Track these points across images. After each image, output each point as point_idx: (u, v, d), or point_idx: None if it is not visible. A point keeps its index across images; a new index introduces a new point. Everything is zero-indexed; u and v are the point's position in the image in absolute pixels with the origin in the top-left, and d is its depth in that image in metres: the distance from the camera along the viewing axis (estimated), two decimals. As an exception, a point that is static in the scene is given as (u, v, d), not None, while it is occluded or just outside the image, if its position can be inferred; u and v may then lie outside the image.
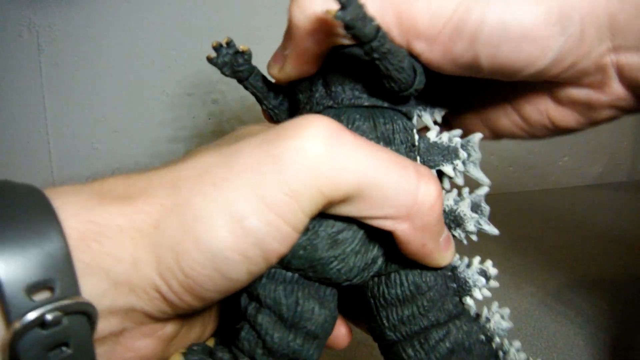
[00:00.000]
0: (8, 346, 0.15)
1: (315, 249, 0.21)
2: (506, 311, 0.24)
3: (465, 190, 0.23)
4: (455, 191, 0.24)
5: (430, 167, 0.24)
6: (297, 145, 0.18)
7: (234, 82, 0.26)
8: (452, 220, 0.24)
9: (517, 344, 0.23)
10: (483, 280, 0.23)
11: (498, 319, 0.23)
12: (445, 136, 0.24)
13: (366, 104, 0.23)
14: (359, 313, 0.26)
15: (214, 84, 0.73)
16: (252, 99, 0.27)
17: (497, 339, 0.23)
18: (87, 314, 0.17)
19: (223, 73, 0.25)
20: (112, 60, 0.69)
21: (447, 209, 0.24)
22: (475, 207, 0.23)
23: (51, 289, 0.16)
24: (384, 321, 0.23)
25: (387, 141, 0.23)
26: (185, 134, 0.73)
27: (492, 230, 0.23)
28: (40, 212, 0.17)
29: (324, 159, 0.18)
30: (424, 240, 0.21)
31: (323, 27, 0.21)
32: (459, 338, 0.23)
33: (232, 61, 0.25)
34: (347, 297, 0.25)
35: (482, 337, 0.24)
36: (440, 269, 0.23)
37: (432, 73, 0.24)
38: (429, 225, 0.21)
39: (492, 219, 0.24)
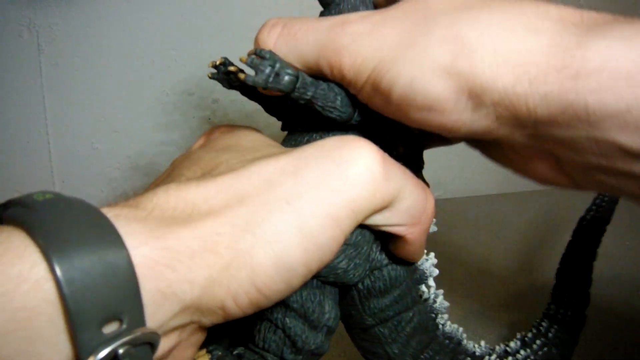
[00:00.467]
0: None
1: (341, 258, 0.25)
2: (440, 291, 0.30)
3: None
4: None
5: None
6: (362, 167, 0.21)
7: (234, 82, 0.27)
8: None
9: (445, 303, 0.29)
10: (436, 270, 0.29)
11: (441, 300, 0.29)
12: None
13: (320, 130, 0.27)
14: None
15: (214, 83, 0.73)
16: (253, 99, 0.28)
17: (440, 315, 0.30)
18: (152, 343, 0.17)
19: (224, 86, 0.28)
20: (112, 60, 0.69)
21: None
22: None
23: (120, 320, 0.16)
24: (366, 309, 0.27)
25: None
26: (186, 134, 0.73)
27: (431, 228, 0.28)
28: (110, 241, 0.16)
29: (380, 180, 0.21)
30: (422, 241, 0.25)
31: None
32: (421, 319, 0.29)
33: (228, 78, 0.27)
34: None
35: (432, 315, 0.30)
36: (409, 264, 0.28)
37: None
38: (427, 229, 0.25)
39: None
